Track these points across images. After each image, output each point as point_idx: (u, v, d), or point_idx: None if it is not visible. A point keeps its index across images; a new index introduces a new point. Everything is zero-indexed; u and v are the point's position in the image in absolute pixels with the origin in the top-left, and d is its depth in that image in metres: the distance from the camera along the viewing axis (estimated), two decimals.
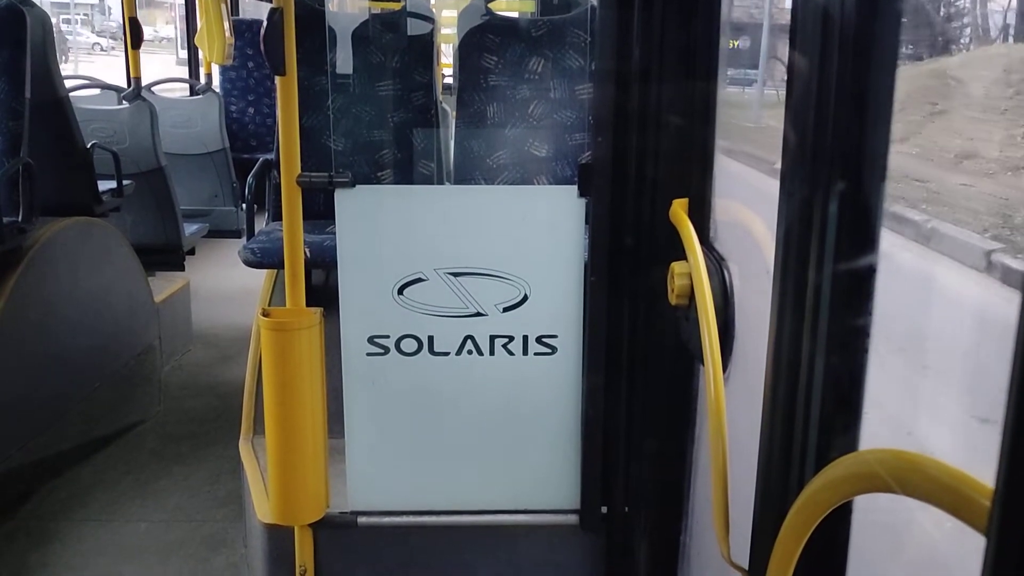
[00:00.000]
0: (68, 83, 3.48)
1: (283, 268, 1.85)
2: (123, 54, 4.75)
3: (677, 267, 1.49)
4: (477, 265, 1.86)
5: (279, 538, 1.96)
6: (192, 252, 4.40)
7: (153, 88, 5.17)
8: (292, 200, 1.80)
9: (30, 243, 2.74)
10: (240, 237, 4.87)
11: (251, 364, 2.40)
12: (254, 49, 5.76)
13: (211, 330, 4.31)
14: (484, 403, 1.93)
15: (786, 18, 0.99)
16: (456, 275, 1.86)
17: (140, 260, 3.47)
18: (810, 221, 0.94)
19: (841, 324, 0.94)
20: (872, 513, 0.99)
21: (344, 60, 2.67)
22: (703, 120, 1.57)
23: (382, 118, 2.72)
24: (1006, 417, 0.50)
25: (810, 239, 0.95)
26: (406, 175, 2.73)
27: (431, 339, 1.88)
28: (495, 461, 1.97)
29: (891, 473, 0.70)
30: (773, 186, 1.02)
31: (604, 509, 1.96)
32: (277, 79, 1.77)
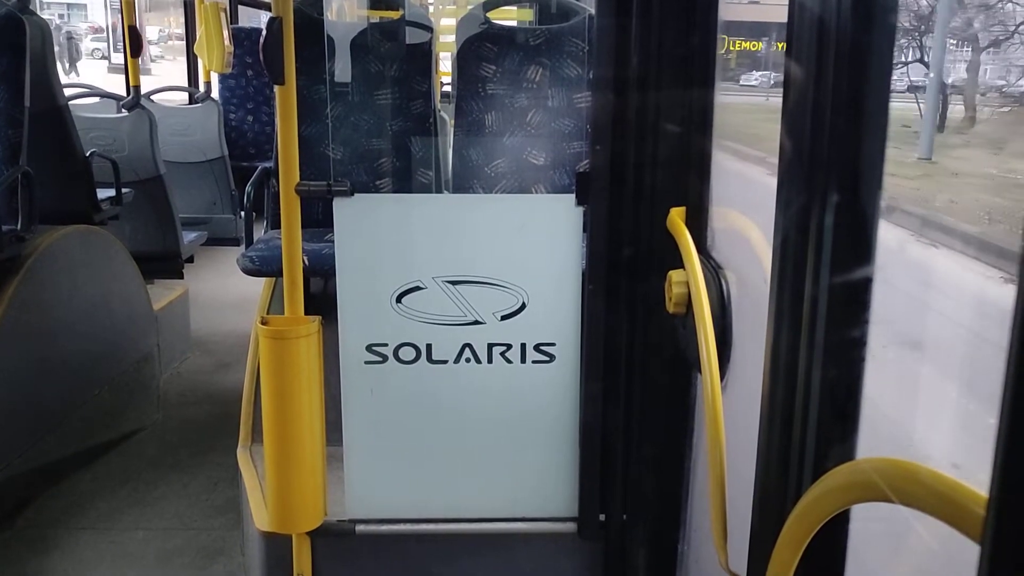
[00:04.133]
0: (67, 91, 3.49)
1: (282, 276, 1.85)
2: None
3: (675, 275, 1.50)
4: (475, 273, 1.86)
5: (277, 546, 1.95)
6: (191, 260, 4.40)
7: (152, 96, 5.18)
8: (291, 208, 1.80)
9: (29, 251, 2.75)
10: (239, 245, 4.87)
11: (249, 372, 2.40)
12: (253, 57, 5.77)
13: (210, 338, 4.31)
14: (482, 411, 1.94)
15: None
16: (454, 283, 1.86)
17: (139, 268, 3.47)
18: (807, 230, 0.95)
19: (838, 333, 0.95)
20: (870, 522, 0.99)
21: (343, 69, 2.68)
22: (701, 128, 1.58)
23: (380, 127, 2.72)
24: (999, 427, 0.50)
25: (807, 248, 0.95)
26: (404, 184, 2.74)
27: (429, 347, 1.89)
28: (493, 469, 1.97)
29: (888, 482, 0.71)
30: None
31: (602, 517, 1.96)
32: (276, 88, 1.77)
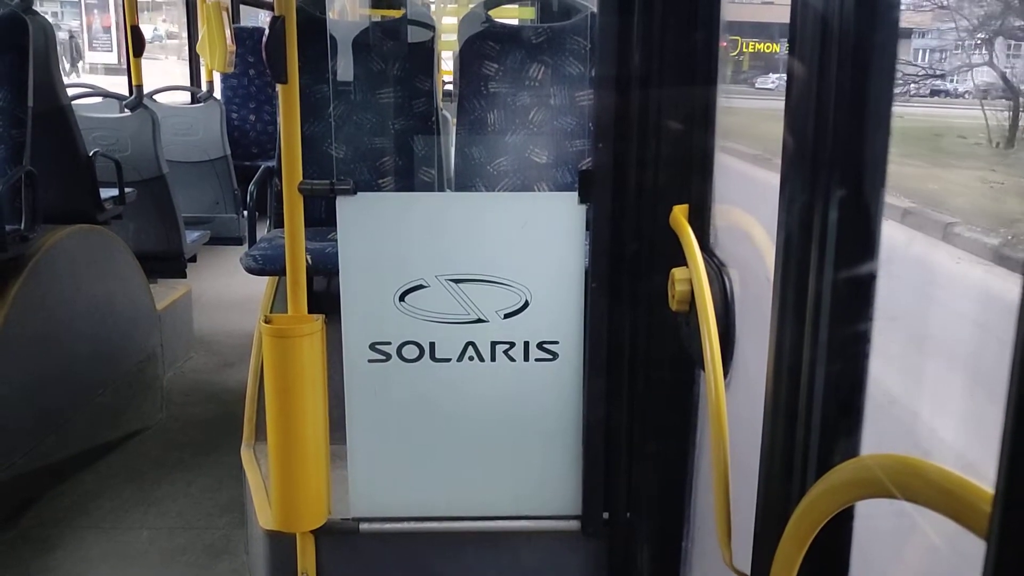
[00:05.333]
0: (70, 91, 3.50)
1: (285, 275, 1.85)
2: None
3: (677, 273, 1.50)
4: (478, 271, 1.86)
5: (281, 545, 1.96)
6: (194, 259, 4.41)
7: (155, 96, 5.18)
8: (294, 207, 1.81)
9: (33, 251, 2.75)
10: (241, 244, 4.87)
11: (253, 371, 2.40)
12: (255, 56, 5.77)
13: (213, 337, 4.31)
14: (485, 409, 1.94)
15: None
16: (457, 281, 1.86)
17: (142, 267, 3.48)
18: (810, 227, 0.95)
19: (842, 330, 0.95)
20: (875, 519, 0.99)
21: (345, 68, 2.68)
22: (703, 126, 1.57)
23: (383, 125, 2.73)
24: (1005, 422, 0.50)
25: (810, 245, 0.95)
26: (407, 182, 2.74)
27: (432, 345, 1.89)
28: (496, 467, 1.97)
29: (892, 478, 0.70)
30: None
31: (606, 515, 1.96)
32: (279, 87, 1.77)
